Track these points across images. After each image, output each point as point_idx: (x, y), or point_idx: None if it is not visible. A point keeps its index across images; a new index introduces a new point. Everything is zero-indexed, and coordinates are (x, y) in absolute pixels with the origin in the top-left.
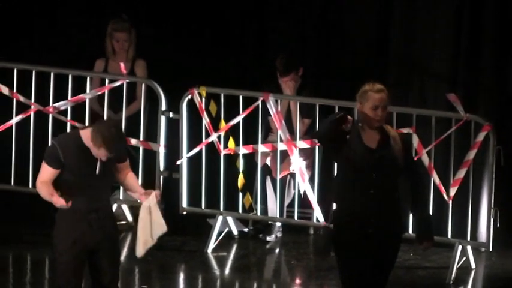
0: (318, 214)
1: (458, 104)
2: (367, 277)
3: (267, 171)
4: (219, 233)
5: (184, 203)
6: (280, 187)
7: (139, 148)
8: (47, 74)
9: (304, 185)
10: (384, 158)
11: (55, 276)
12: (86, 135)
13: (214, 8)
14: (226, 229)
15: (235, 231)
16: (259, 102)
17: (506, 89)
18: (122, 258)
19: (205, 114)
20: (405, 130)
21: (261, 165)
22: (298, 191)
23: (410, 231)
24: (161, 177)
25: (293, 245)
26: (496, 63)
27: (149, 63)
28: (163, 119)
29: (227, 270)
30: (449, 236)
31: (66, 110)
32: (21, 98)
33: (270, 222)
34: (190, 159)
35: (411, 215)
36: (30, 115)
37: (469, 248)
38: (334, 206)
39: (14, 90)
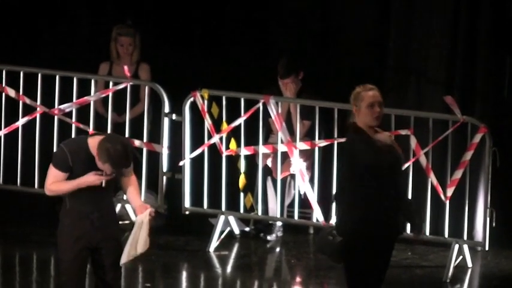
0: (317, 214)
1: (454, 107)
2: (376, 279)
3: (268, 172)
4: (221, 233)
5: (187, 203)
6: (280, 187)
7: (142, 149)
8: (53, 77)
9: (304, 185)
10: (397, 160)
11: (58, 273)
12: (93, 144)
13: (217, 12)
14: (228, 229)
15: (236, 231)
16: (260, 104)
17: (502, 92)
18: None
19: (207, 116)
20: (403, 132)
21: (262, 166)
22: (299, 191)
23: (408, 231)
24: (164, 178)
25: (293, 244)
26: (492, 66)
27: (153, 66)
28: (166, 121)
29: (229, 269)
30: (446, 236)
31: (71, 112)
32: (28, 100)
33: (270, 222)
34: (193, 160)
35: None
36: (36, 117)
37: (465, 247)
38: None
39: (21, 93)
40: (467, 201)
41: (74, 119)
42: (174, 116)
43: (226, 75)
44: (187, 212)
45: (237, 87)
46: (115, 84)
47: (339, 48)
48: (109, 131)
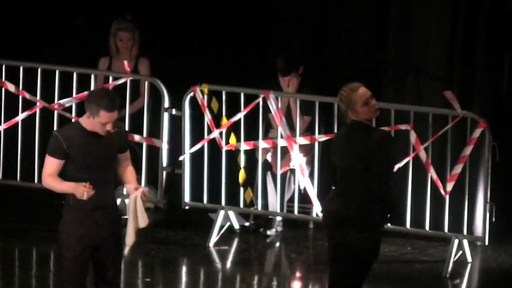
0: (317, 209)
1: (454, 102)
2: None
3: (268, 166)
4: (221, 227)
5: (187, 198)
6: (280, 182)
7: (142, 144)
8: (52, 71)
9: (304, 180)
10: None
11: (60, 271)
12: (85, 120)
13: (217, 7)
14: (228, 223)
15: (236, 226)
16: (260, 99)
17: (501, 87)
18: (125, 252)
19: (207, 111)
20: (402, 127)
21: (261, 161)
22: (298, 186)
23: (408, 226)
24: (164, 172)
25: (293, 239)
26: (491, 61)
27: (152, 61)
28: (166, 116)
29: (229, 264)
30: (445, 230)
31: (71, 107)
32: (27, 95)
33: (270, 217)
34: (193, 155)
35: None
36: (35, 112)
37: (465, 241)
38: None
39: (20, 88)
40: (467, 196)
41: (73, 114)
42: (174, 111)
43: (226, 70)
44: (187, 207)
45: (237, 82)
46: (115, 79)
47: (339, 43)
48: None
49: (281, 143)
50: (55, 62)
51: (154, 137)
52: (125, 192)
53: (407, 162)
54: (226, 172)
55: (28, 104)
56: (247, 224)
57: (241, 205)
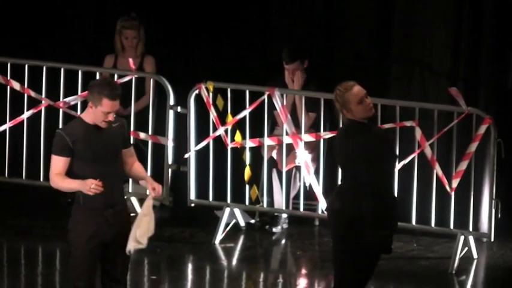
0: (323, 206)
1: (459, 98)
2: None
3: (273, 164)
4: (226, 225)
5: (192, 196)
6: (286, 179)
7: (148, 142)
8: (58, 69)
9: (310, 177)
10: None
11: (69, 269)
12: (87, 114)
13: (221, 4)
14: (234, 221)
15: (242, 223)
16: (265, 96)
17: (506, 83)
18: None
19: (212, 108)
20: (408, 123)
21: (267, 158)
22: (304, 183)
23: (414, 222)
24: (169, 170)
25: (299, 236)
26: (496, 57)
27: (158, 59)
28: (171, 113)
29: (234, 261)
30: (451, 227)
31: (76, 105)
32: (32, 94)
33: (276, 214)
34: (198, 153)
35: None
36: (41, 110)
37: (471, 238)
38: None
39: (25, 86)
40: (472, 193)
41: (79, 112)
42: (179, 109)
43: (231, 68)
44: (192, 205)
45: (242, 80)
46: (120, 77)
47: (344, 39)
48: None
49: (286, 140)
50: (60, 60)
51: (160, 135)
52: (130, 190)
53: (413, 159)
54: (231, 169)
55: (33, 102)
56: (252, 221)
57: (247, 202)
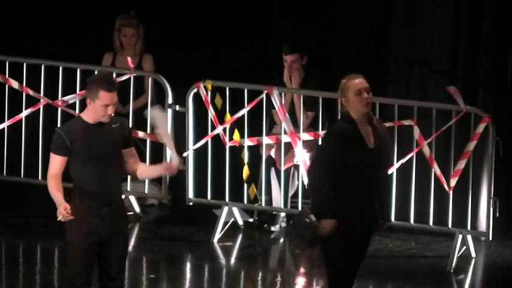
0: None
1: (458, 97)
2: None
3: (272, 162)
4: (225, 223)
5: (191, 194)
6: (284, 178)
7: (146, 140)
8: (56, 68)
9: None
10: (382, 155)
11: (66, 267)
12: (86, 113)
13: (220, 2)
14: (232, 219)
15: (240, 222)
16: (264, 95)
17: (505, 82)
18: (130, 248)
19: (210, 107)
20: (406, 122)
21: (265, 157)
22: (302, 182)
23: (412, 221)
24: None
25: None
26: (495, 56)
27: (156, 57)
28: (169, 112)
29: (233, 260)
30: (449, 226)
31: (74, 103)
32: (31, 92)
33: (274, 213)
34: (196, 152)
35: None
36: (39, 108)
37: (469, 237)
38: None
39: (24, 84)
40: (470, 191)
41: (77, 111)
42: (177, 107)
43: (230, 66)
44: (191, 203)
45: (241, 78)
46: (118, 75)
47: (343, 38)
48: None
49: (285, 138)
50: (59, 58)
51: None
52: (128, 189)
53: (411, 158)
54: (230, 168)
55: (32, 101)
56: (251, 220)
57: (245, 201)
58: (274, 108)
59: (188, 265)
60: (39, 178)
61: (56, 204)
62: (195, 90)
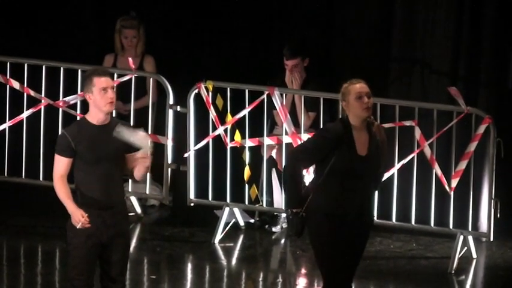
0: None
1: (459, 98)
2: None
3: (273, 163)
4: (226, 224)
5: (192, 195)
6: None
7: None
8: (57, 69)
9: (309, 176)
10: (373, 164)
11: (67, 268)
12: (90, 114)
13: (222, 3)
14: (233, 220)
15: (241, 223)
16: (265, 96)
17: (506, 83)
18: (131, 249)
19: (212, 108)
20: (407, 123)
21: (266, 157)
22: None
23: (413, 222)
24: (169, 169)
25: None
26: (496, 57)
27: (157, 58)
28: (171, 112)
29: (234, 261)
30: (450, 227)
31: (76, 104)
32: (32, 93)
33: (275, 214)
34: (198, 152)
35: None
36: (40, 109)
37: (470, 238)
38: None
39: (25, 85)
40: (471, 192)
41: (78, 111)
42: (178, 108)
43: (231, 67)
44: (192, 204)
45: (242, 79)
46: (119, 76)
47: (344, 39)
48: None
49: (286, 139)
50: (60, 59)
51: (159, 134)
52: (130, 190)
53: (412, 159)
54: (231, 169)
55: (33, 102)
56: (252, 220)
57: (247, 202)
58: (276, 108)
59: (189, 266)
60: (41, 179)
61: (69, 211)
62: (196, 90)
